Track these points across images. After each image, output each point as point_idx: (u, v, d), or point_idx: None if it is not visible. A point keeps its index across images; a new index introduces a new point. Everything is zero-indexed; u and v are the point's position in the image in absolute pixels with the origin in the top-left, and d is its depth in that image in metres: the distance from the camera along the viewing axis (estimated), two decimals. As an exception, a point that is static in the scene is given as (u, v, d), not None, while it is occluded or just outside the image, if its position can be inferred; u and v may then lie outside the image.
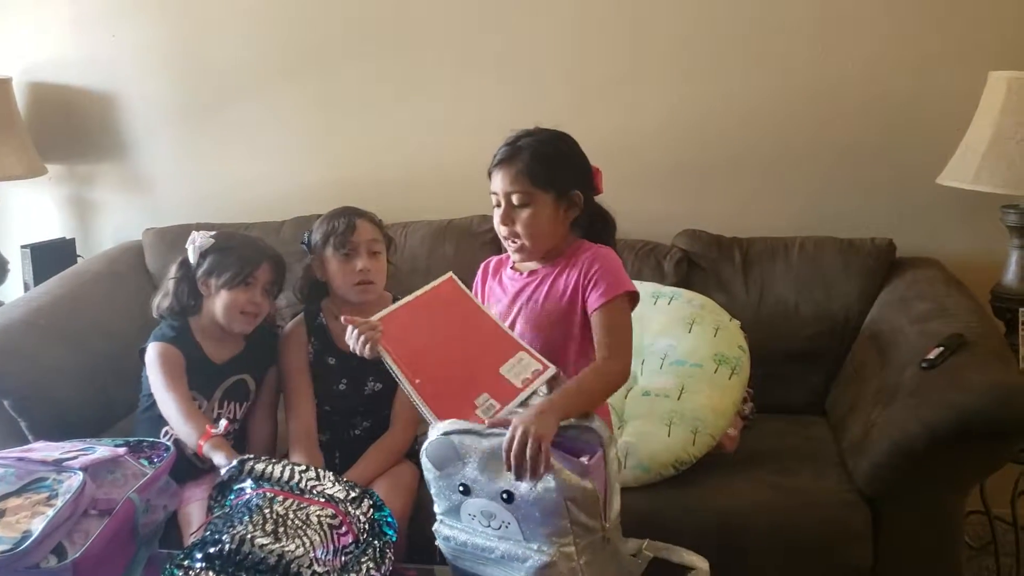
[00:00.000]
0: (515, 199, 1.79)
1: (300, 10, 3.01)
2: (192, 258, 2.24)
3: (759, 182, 2.85)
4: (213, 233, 2.27)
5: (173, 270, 2.28)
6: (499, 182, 1.82)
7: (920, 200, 2.74)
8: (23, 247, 3.07)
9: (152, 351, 2.21)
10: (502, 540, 1.61)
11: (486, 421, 1.64)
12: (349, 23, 3.00)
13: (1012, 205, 2.50)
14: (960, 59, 2.66)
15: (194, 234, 2.27)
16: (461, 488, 1.63)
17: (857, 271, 2.59)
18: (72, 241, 3.20)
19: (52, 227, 3.27)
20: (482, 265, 1.96)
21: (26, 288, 3.02)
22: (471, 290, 1.92)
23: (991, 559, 2.52)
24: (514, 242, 1.83)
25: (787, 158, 2.83)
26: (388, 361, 1.72)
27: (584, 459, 1.60)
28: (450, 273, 1.87)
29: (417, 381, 1.70)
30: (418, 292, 1.83)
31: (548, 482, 1.53)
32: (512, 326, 1.85)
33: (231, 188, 3.15)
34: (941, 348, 2.11)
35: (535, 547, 1.58)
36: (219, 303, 2.20)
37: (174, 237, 2.96)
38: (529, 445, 1.52)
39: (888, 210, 2.77)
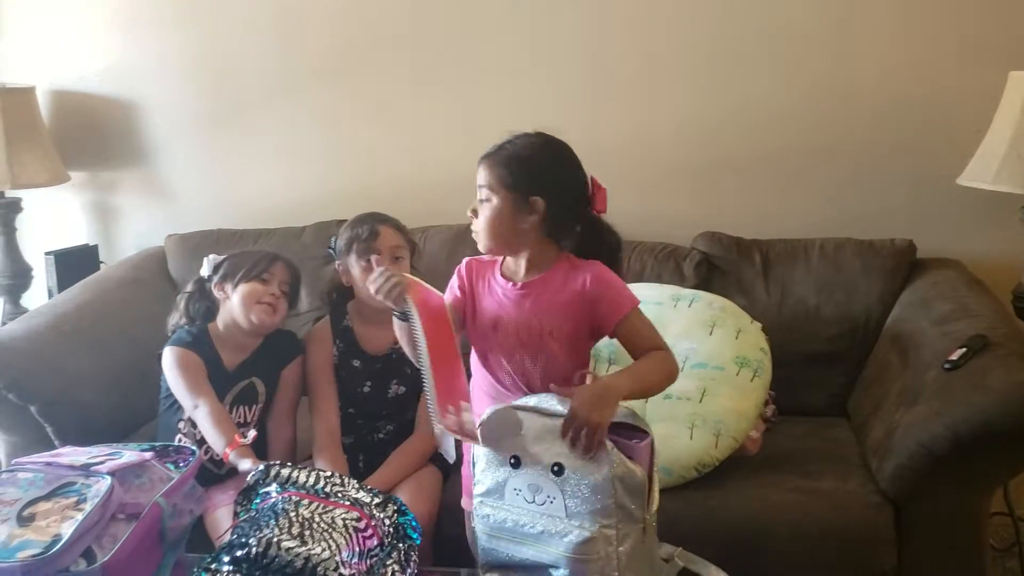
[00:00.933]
0: (481, 194, 1.80)
1: (320, 17, 3.03)
2: (207, 272, 2.29)
3: (778, 184, 2.85)
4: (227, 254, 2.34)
5: (188, 287, 2.34)
6: (478, 175, 1.83)
7: (940, 201, 2.73)
8: (47, 254, 3.10)
9: (169, 355, 2.23)
10: (544, 516, 1.62)
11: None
12: (369, 29, 3.01)
13: (1033, 205, 2.49)
14: (980, 59, 2.65)
15: (207, 257, 2.33)
16: (512, 460, 1.64)
17: (878, 272, 2.58)
18: (95, 248, 3.22)
19: (75, 234, 3.29)
20: (464, 261, 1.92)
21: (50, 294, 3.05)
22: (448, 284, 1.90)
23: (1015, 560, 2.51)
24: (476, 234, 1.84)
25: (806, 160, 2.82)
26: (413, 314, 1.70)
27: (634, 441, 1.62)
28: (444, 296, 1.83)
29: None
30: (429, 286, 1.82)
31: (600, 458, 1.57)
32: (508, 336, 1.81)
33: (253, 194, 3.17)
34: (964, 349, 2.10)
35: (576, 523, 1.59)
36: (236, 298, 2.23)
37: (196, 243, 2.99)
38: (584, 433, 1.57)
39: (908, 211, 2.76)
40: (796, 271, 2.64)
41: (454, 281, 1.90)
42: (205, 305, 2.30)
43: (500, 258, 1.86)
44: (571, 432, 1.59)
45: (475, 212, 1.83)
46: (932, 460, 1.97)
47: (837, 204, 2.82)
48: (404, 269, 2.21)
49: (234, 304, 2.23)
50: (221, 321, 2.28)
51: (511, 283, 1.82)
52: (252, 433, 2.12)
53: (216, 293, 2.27)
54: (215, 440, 2.12)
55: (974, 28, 2.67)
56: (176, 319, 2.32)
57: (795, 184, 2.84)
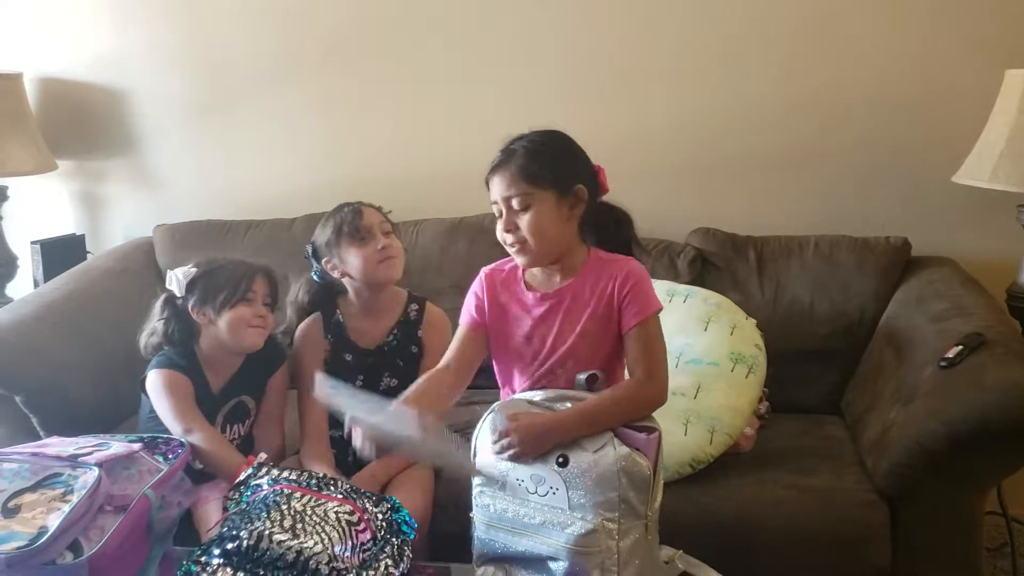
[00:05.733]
0: (515, 203, 1.69)
1: (312, 7, 3.00)
2: (179, 292, 2.15)
3: (773, 181, 2.84)
4: (193, 264, 2.18)
5: (157, 310, 2.18)
6: (496, 188, 1.72)
7: (935, 199, 2.72)
8: (33, 243, 3.07)
9: (158, 378, 2.11)
10: (545, 507, 1.61)
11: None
12: (360, 20, 2.99)
13: (1029, 204, 2.49)
14: (976, 57, 2.65)
15: (170, 272, 2.18)
16: None
17: (872, 270, 2.57)
18: (82, 237, 3.19)
19: (62, 223, 3.26)
20: (484, 276, 1.84)
21: (36, 284, 3.02)
22: (466, 299, 1.84)
23: (1007, 560, 2.51)
24: (520, 250, 1.73)
25: (801, 157, 2.81)
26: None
27: (643, 435, 1.62)
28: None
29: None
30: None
31: (607, 450, 1.57)
32: (541, 348, 1.77)
33: (242, 185, 3.14)
34: (960, 347, 2.09)
35: (579, 515, 1.58)
36: (223, 325, 2.11)
37: (185, 234, 2.96)
38: (507, 444, 1.64)
39: (903, 209, 2.76)
40: (791, 268, 2.63)
41: (471, 302, 1.83)
42: (186, 327, 2.16)
43: (521, 268, 1.80)
44: (500, 438, 1.64)
45: (510, 228, 1.71)
46: (928, 458, 1.96)
47: (832, 201, 2.81)
48: (395, 243, 2.20)
49: (222, 331, 2.12)
50: (205, 344, 2.16)
51: (539, 293, 1.77)
52: (263, 455, 2.07)
53: (197, 318, 2.14)
54: (219, 465, 2.04)
55: (971, 26, 2.67)
56: (153, 340, 2.17)
57: (790, 181, 2.83)
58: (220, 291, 2.11)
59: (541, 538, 1.61)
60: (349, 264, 2.18)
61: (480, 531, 1.70)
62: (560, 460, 1.59)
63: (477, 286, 1.84)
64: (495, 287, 1.82)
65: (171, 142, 3.18)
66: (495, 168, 1.73)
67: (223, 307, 2.11)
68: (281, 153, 3.11)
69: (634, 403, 1.69)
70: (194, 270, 2.15)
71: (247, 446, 2.20)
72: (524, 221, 1.70)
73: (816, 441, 2.35)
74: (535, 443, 1.63)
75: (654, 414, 1.71)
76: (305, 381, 2.24)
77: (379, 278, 2.18)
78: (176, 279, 2.15)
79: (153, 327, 2.18)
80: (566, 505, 1.59)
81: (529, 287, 1.80)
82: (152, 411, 2.14)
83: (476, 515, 1.71)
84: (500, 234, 1.75)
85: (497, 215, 1.75)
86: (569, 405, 1.67)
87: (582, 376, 1.71)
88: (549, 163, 1.71)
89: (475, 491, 1.70)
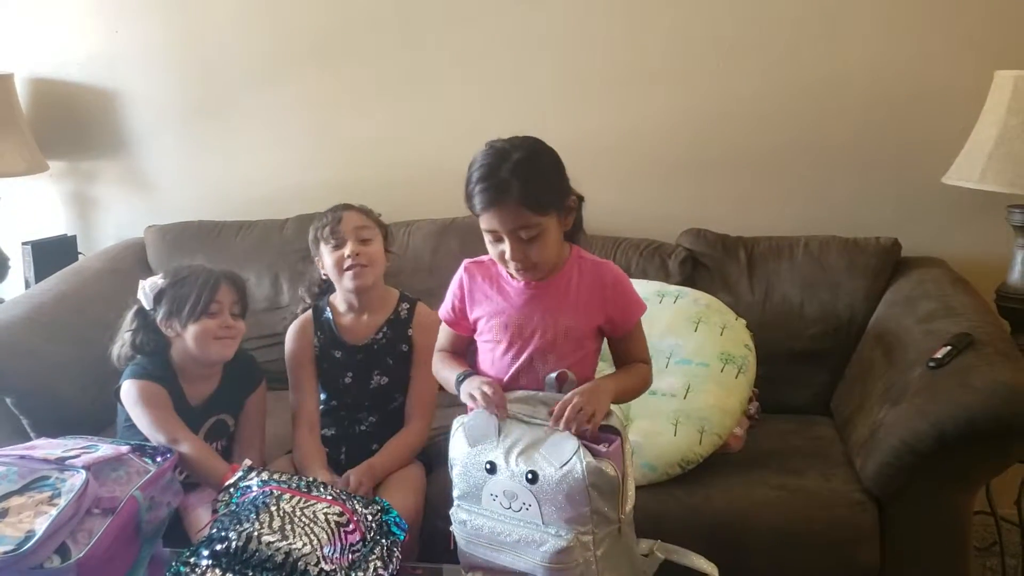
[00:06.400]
0: (524, 234, 1.64)
1: (305, 8, 3.00)
2: (147, 305, 2.14)
3: (763, 182, 2.84)
4: (162, 274, 2.18)
5: (127, 320, 2.17)
6: (498, 222, 1.65)
7: (925, 200, 2.73)
8: (24, 244, 3.07)
9: (133, 388, 2.09)
10: (520, 524, 1.61)
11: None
12: (352, 21, 2.99)
13: (1018, 205, 2.49)
14: (966, 58, 2.66)
15: (141, 282, 2.17)
16: (488, 466, 1.63)
17: (862, 270, 2.58)
18: (73, 238, 3.18)
19: (53, 224, 3.25)
20: (464, 268, 1.82)
21: (27, 285, 3.01)
22: (450, 291, 1.83)
23: (996, 560, 2.52)
24: (528, 271, 1.70)
25: (792, 157, 2.82)
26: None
27: (603, 447, 1.60)
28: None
29: None
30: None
31: (574, 466, 1.55)
32: (519, 337, 1.74)
33: (233, 186, 3.14)
34: (949, 347, 2.10)
35: (552, 531, 1.58)
36: (189, 338, 2.09)
37: (176, 235, 2.96)
38: (578, 419, 1.60)
39: (893, 209, 2.77)
40: (781, 269, 2.63)
41: (455, 293, 1.82)
42: (155, 338, 2.15)
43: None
44: (566, 417, 1.59)
45: (519, 256, 1.66)
46: (916, 458, 1.97)
47: (822, 202, 2.81)
48: (373, 248, 2.20)
49: (189, 344, 2.11)
50: (177, 355, 2.14)
51: (521, 283, 1.75)
52: (247, 461, 2.07)
53: (165, 331, 2.13)
54: (206, 473, 2.03)
55: (960, 27, 2.68)
56: (124, 352, 2.16)
57: (780, 182, 2.84)
58: (185, 303, 2.10)
59: (519, 555, 1.61)
60: (325, 266, 2.21)
61: (461, 544, 1.70)
62: (529, 476, 1.58)
63: (456, 282, 1.83)
64: (475, 278, 1.80)
65: (163, 143, 3.18)
66: (493, 203, 1.65)
67: (188, 320, 2.09)
68: (273, 154, 3.11)
69: (645, 382, 1.81)
70: (161, 281, 2.15)
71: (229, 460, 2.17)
72: (534, 249, 1.67)
73: (805, 441, 2.35)
74: (597, 399, 1.63)
75: (617, 414, 1.70)
76: (295, 377, 2.25)
77: (346, 284, 2.19)
78: (144, 291, 2.15)
79: (123, 338, 2.16)
80: (540, 520, 1.59)
81: (512, 275, 1.76)
82: (128, 420, 2.12)
83: (455, 530, 1.70)
84: (504, 257, 1.69)
85: (492, 240, 1.69)
86: (540, 407, 1.65)
87: (552, 375, 1.67)
88: (547, 187, 1.67)
89: (453, 506, 1.70)
